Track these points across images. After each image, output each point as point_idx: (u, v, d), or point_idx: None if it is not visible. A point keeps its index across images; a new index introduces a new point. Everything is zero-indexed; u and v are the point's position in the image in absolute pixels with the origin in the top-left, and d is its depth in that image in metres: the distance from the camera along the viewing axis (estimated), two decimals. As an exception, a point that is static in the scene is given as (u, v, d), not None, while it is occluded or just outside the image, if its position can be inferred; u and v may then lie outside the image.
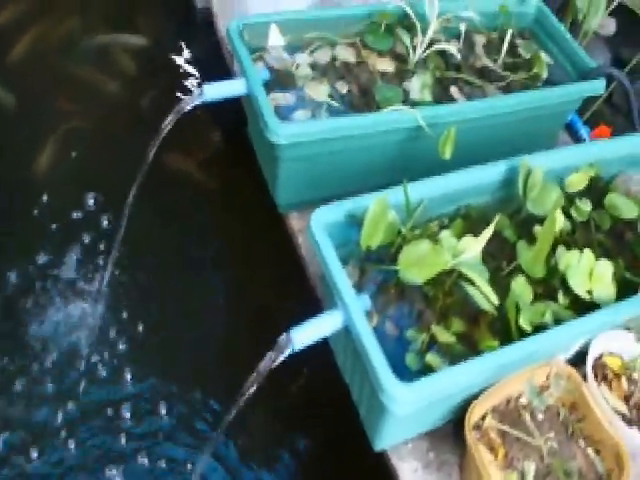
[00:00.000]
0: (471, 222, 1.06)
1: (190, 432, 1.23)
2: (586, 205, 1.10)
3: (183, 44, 1.87)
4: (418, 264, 0.94)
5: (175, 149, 1.52)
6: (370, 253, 0.99)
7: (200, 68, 1.82)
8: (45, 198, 1.51)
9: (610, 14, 1.65)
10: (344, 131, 1.08)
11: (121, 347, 1.32)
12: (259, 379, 0.92)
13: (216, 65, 1.57)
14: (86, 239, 1.45)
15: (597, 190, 1.15)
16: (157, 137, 1.21)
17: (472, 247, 0.96)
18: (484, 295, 0.90)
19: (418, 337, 0.93)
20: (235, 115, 1.35)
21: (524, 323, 0.92)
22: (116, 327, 1.34)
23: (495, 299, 0.90)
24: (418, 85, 1.16)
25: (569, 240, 1.07)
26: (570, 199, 1.11)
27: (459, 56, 1.23)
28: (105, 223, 1.48)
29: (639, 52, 1.70)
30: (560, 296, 0.98)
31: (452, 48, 1.21)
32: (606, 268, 0.99)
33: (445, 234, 0.99)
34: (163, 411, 1.24)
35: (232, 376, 1.00)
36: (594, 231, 1.09)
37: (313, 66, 1.22)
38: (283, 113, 1.15)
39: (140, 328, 1.34)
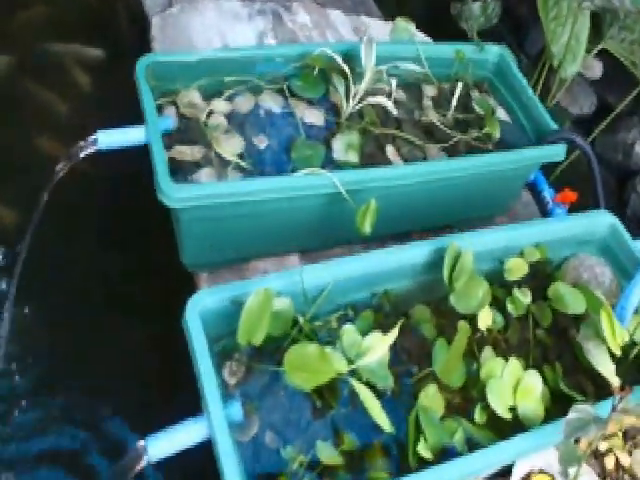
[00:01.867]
0: (385, 312, 0.92)
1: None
2: (525, 296, 0.95)
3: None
4: (304, 369, 0.80)
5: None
6: (261, 347, 0.86)
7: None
8: None
9: (597, 56, 1.52)
10: (248, 196, 0.95)
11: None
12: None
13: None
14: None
15: (542, 276, 1.01)
16: (51, 182, 1.10)
17: (376, 348, 0.83)
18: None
19: (296, 458, 0.79)
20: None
21: (423, 449, 0.77)
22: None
23: (387, 425, 0.76)
24: (342, 144, 1.03)
25: (500, 338, 0.93)
26: (509, 288, 0.97)
27: (395, 112, 1.10)
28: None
29: (626, 97, 1.57)
30: (477, 412, 0.84)
31: (387, 102, 1.07)
32: (535, 380, 0.85)
33: (347, 330, 0.85)
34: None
35: None
36: (532, 328, 0.95)
37: (230, 115, 1.09)
38: (187, 170, 1.02)
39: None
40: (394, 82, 1.10)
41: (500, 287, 0.98)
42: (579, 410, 0.75)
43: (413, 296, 0.95)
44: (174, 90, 1.09)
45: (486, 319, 0.89)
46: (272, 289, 0.85)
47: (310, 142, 1.05)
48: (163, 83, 1.08)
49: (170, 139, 1.04)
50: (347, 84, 1.10)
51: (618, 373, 0.90)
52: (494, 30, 1.83)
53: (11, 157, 1.48)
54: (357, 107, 1.10)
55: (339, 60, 1.06)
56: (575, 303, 0.96)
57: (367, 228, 0.95)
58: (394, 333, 0.81)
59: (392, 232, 1.17)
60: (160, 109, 1.07)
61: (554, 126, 1.14)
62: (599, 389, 0.90)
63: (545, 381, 0.89)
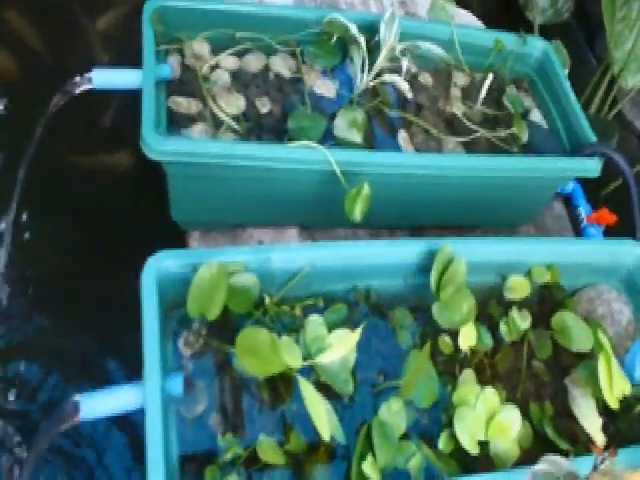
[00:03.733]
0: (361, 310, 0.84)
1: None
2: (523, 320, 0.86)
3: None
4: (255, 355, 0.72)
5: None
6: (222, 321, 0.79)
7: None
8: None
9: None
10: (231, 159, 0.88)
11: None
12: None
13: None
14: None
15: (551, 302, 0.91)
16: (44, 117, 1.04)
17: (339, 346, 0.75)
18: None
19: (232, 447, 0.72)
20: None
21: (369, 468, 0.69)
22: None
23: (326, 433, 0.67)
24: (345, 121, 0.94)
25: (486, 363, 0.83)
26: (507, 307, 0.88)
27: (410, 94, 1.01)
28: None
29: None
30: (442, 439, 0.75)
31: (402, 82, 0.98)
32: (513, 416, 0.75)
33: (313, 321, 0.77)
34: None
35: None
36: (525, 357, 0.85)
37: (237, 73, 1.02)
38: (182, 123, 0.96)
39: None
40: (404, 62, 0.99)
41: (498, 305, 0.89)
42: (550, 462, 0.65)
43: (400, 298, 0.86)
44: (182, 39, 1.02)
45: (468, 338, 0.80)
46: (239, 263, 0.79)
47: (311, 113, 0.96)
48: (171, 30, 1.01)
49: (171, 88, 0.98)
50: (364, 58, 1.01)
51: (613, 429, 0.81)
52: (566, 26, 1.72)
53: None
54: (372, 84, 1.01)
55: (354, 30, 0.98)
56: (581, 339, 0.86)
57: (357, 215, 0.87)
58: (357, 333, 0.72)
59: (402, 224, 1.09)
60: (166, 56, 1.01)
61: (592, 138, 1.04)
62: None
63: (531, 420, 0.80)
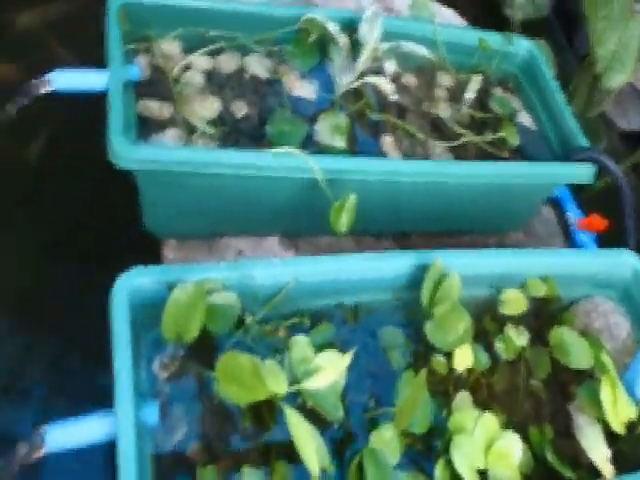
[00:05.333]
0: (350, 328, 0.80)
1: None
2: (520, 337, 0.83)
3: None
4: (236, 382, 0.68)
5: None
6: (200, 342, 0.74)
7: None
8: None
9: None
10: (210, 167, 0.83)
11: None
12: None
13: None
14: None
15: (546, 316, 0.89)
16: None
17: (329, 370, 0.71)
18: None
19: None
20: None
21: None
22: None
23: (315, 470, 0.63)
24: (328, 126, 0.90)
25: (483, 383, 0.80)
26: (502, 322, 0.85)
27: (394, 96, 0.97)
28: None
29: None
30: (439, 467, 0.72)
31: (385, 84, 0.95)
32: (514, 443, 0.71)
33: (298, 341, 0.73)
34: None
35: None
36: (524, 376, 0.83)
37: (210, 74, 0.97)
38: (152, 129, 0.91)
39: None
40: (388, 64, 0.97)
41: (493, 320, 0.86)
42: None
43: (391, 314, 0.83)
44: (151, 37, 0.97)
45: (464, 360, 0.76)
46: (217, 280, 0.74)
47: (291, 117, 0.92)
48: (138, 28, 0.96)
49: (140, 91, 0.93)
50: (344, 58, 0.98)
51: (614, 450, 0.78)
52: (545, 23, 1.68)
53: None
54: (354, 85, 0.97)
55: (333, 29, 0.94)
56: (579, 356, 0.83)
57: (343, 227, 0.83)
58: (348, 356, 0.68)
59: (388, 230, 1.06)
60: (134, 56, 0.96)
61: (583, 142, 1.01)
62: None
63: (530, 444, 0.77)
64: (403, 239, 1.07)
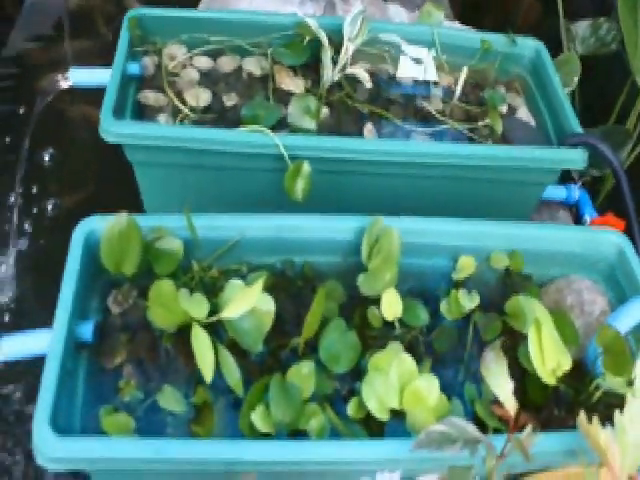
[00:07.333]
0: (289, 279, 0.85)
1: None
2: (469, 299, 0.83)
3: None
4: (163, 306, 0.75)
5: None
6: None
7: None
8: None
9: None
10: (185, 143, 0.94)
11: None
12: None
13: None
14: None
15: (509, 289, 0.88)
16: (29, 124, 1.16)
17: (240, 300, 0.75)
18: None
19: (131, 390, 0.74)
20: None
21: (259, 418, 0.68)
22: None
23: (208, 376, 0.68)
24: (298, 108, 0.97)
25: (420, 340, 0.81)
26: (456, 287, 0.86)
27: (369, 84, 1.03)
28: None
29: None
30: (352, 404, 0.73)
31: (362, 74, 1.01)
32: (430, 386, 0.71)
33: (233, 283, 0.78)
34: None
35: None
36: (470, 338, 0.82)
37: (209, 72, 1.09)
38: (149, 115, 1.04)
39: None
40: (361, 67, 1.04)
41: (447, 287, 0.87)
42: (451, 424, 0.62)
43: (336, 275, 0.86)
44: (158, 42, 1.12)
45: (391, 305, 0.78)
46: (165, 229, 0.83)
47: (267, 103, 1.01)
48: (149, 35, 1.12)
49: (144, 85, 1.07)
50: (331, 56, 1.06)
51: (558, 411, 0.76)
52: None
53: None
54: (336, 78, 1.05)
55: (318, 30, 1.03)
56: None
57: (298, 194, 0.89)
58: (259, 286, 0.73)
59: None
60: (144, 56, 1.10)
61: (578, 129, 1.02)
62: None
63: (463, 400, 0.76)
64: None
